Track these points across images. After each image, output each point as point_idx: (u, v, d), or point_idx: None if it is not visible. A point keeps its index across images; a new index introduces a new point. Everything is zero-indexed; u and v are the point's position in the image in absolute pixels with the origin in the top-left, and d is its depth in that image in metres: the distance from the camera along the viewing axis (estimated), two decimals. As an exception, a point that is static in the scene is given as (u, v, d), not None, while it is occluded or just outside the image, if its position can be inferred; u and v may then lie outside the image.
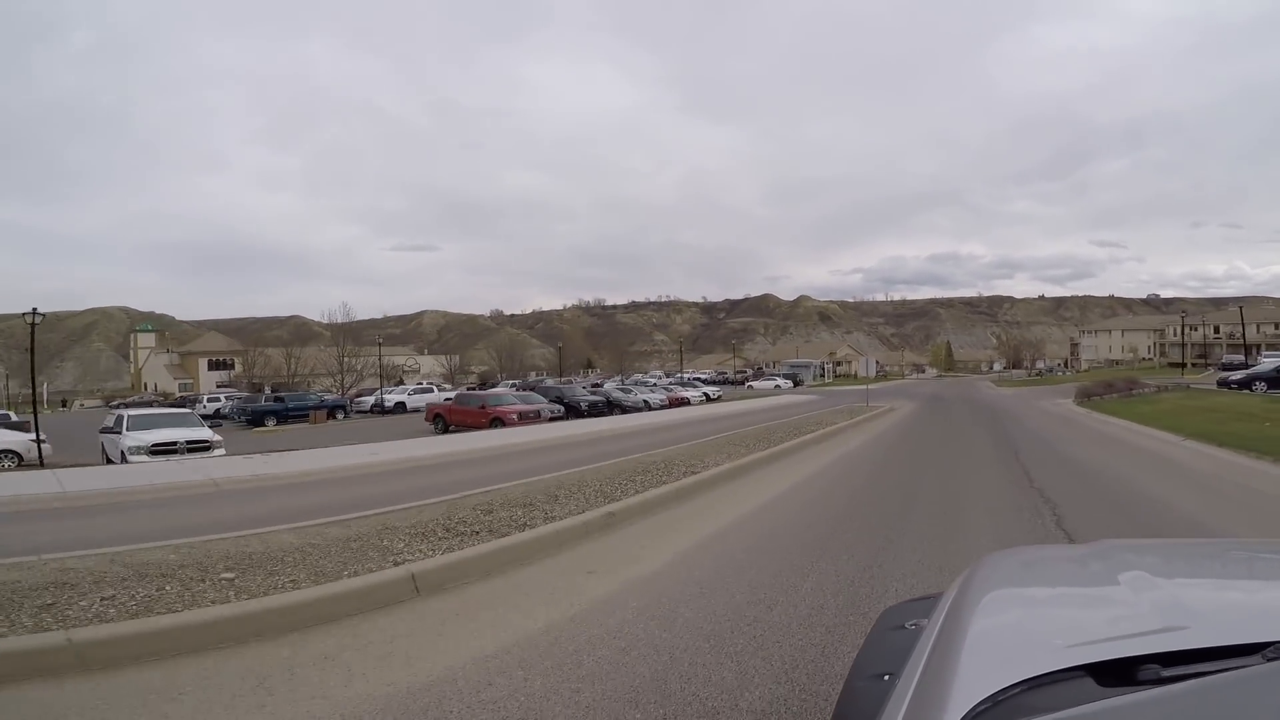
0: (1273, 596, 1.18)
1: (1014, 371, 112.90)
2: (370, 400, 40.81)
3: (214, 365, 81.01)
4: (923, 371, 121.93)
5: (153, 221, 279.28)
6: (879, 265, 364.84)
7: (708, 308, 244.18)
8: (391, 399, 39.93)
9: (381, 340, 53.70)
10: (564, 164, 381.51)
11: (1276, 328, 73.65)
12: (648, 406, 34.44)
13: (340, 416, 36.63)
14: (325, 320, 66.40)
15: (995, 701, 0.75)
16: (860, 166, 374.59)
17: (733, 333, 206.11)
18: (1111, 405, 24.79)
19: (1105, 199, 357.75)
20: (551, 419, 26.57)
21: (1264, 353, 47.14)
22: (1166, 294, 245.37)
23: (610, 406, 31.78)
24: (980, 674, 0.82)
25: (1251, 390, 24.57)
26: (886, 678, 1.07)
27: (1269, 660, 0.76)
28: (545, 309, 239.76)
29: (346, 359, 52.91)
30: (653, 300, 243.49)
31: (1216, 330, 76.99)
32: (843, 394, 49.03)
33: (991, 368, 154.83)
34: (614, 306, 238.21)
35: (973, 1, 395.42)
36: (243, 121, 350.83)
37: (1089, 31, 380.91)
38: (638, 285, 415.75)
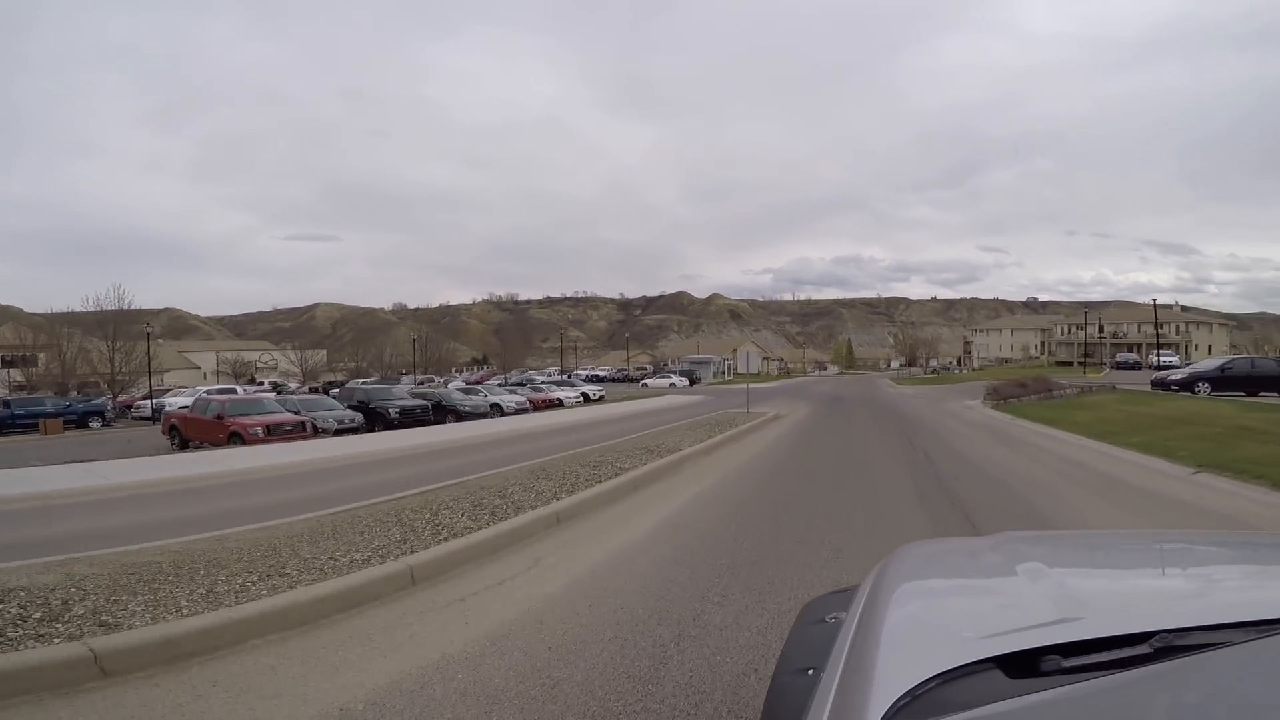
0: (1158, 585, 1.26)
1: (911, 369, 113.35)
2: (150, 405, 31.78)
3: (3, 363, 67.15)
4: (824, 369, 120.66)
5: (11, 207, 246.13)
6: (787, 266, 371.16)
7: (624, 304, 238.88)
8: (176, 403, 31.14)
9: (152, 329, 40.46)
10: (481, 156, 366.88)
11: (1157, 327, 74.73)
12: (498, 411, 27.62)
13: (97, 425, 27.84)
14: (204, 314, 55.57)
15: (914, 696, 0.77)
16: (776, 170, 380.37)
17: (648, 330, 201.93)
18: (1034, 409, 20.11)
19: (993, 207, 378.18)
20: (340, 431, 19.42)
21: (1163, 352, 45.30)
22: (1044, 297, 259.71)
23: (441, 412, 24.74)
24: (898, 669, 0.83)
25: (1194, 392, 20.43)
26: (810, 672, 1.08)
27: (1155, 650, 0.79)
28: (453, 303, 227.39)
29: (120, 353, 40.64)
30: (569, 296, 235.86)
31: (1101, 330, 77.58)
32: (737, 393, 43.91)
33: (889, 365, 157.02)
34: (527, 302, 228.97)
35: (887, 14, 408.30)
36: (127, 104, 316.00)
37: (989, 46, 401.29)
38: (555, 281, 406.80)
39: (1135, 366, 48.31)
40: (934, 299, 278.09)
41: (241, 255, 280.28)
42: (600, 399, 37.27)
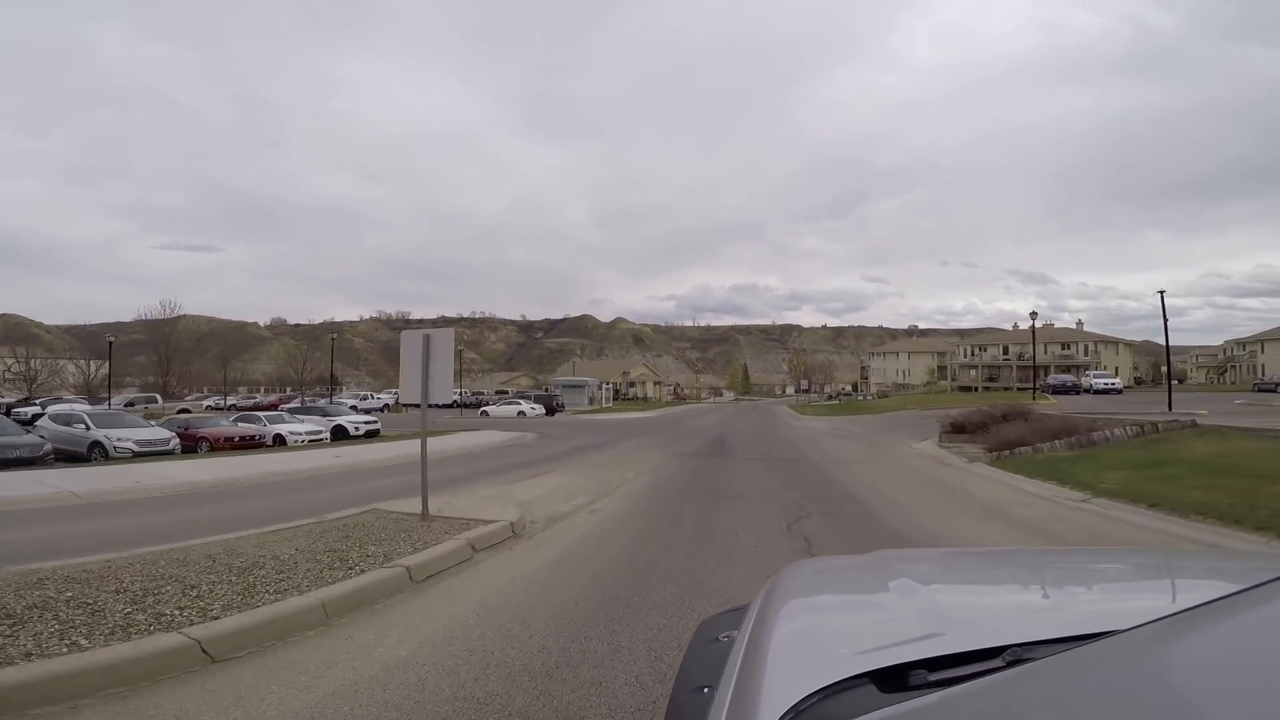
0: (1015, 601, 1.32)
1: (806, 395, 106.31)
2: None
3: None
4: (720, 395, 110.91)
5: None
6: (690, 293, 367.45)
7: (525, 326, 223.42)
8: None
9: None
10: (383, 171, 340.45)
11: (1063, 347, 69.15)
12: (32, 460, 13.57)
13: None
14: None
15: (797, 711, 0.79)
16: (681, 197, 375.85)
17: (550, 353, 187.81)
18: (1103, 469, 8.71)
19: (877, 237, 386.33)
20: None
21: (1094, 372, 36.55)
22: (923, 325, 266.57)
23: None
24: (783, 685, 0.86)
25: None
26: (706, 690, 1.08)
27: (1008, 663, 0.83)
28: (338, 319, 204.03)
29: None
30: (465, 316, 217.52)
31: (1006, 351, 71.25)
32: (602, 427, 31.27)
33: (785, 390, 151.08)
34: (419, 321, 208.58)
35: (785, 44, 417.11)
36: None
37: (876, 78, 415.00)
38: (454, 301, 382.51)
39: (1073, 389, 39.74)
40: (824, 327, 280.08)
41: (109, 263, 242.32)
42: (369, 433, 23.92)
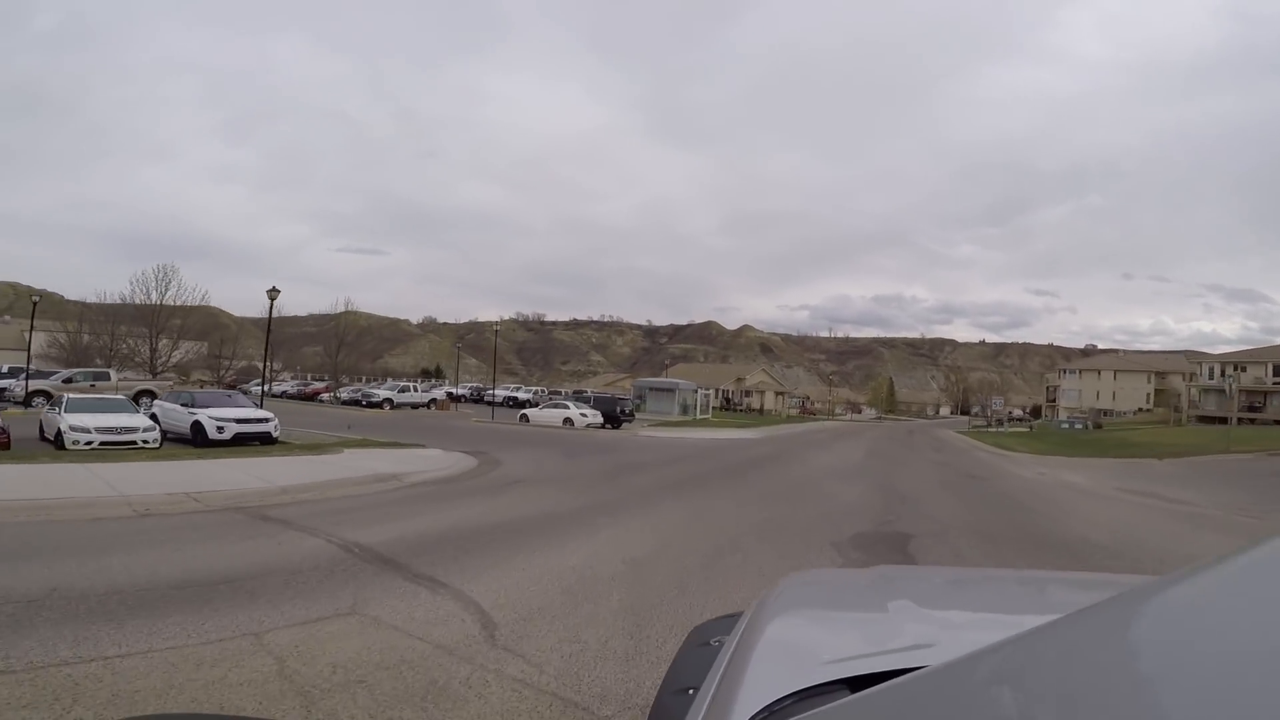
0: (1011, 620, 1.26)
1: (962, 417, 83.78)
2: None
3: None
4: (859, 412, 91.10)
5: (89, 206, 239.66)
6: (825, 303, 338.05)
7: (650, 331, 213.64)
8: None
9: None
10: (524, 180, 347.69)
11: None
12: None
13: None
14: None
15: (770, 712, 0.80)
16: (814, 202, 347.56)
17: (673, 358, 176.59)
18: None
19: (1043, 246, 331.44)
20: None
21: None
22: (1101, 345, 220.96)
23: None
24: (759, 688, 0.86)
25: None
26: (690, 692, 1.08)
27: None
28: (481, 319, 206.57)
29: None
30: (594, 319, 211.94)
31: (1278, 373, 47.46)
32: (663, 454, 17.28)
33: (939, 411, 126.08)
34: (553, 323, 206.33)
35: (926, 41, 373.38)
36: (198, 115, 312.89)
37: (1034, 75, 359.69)
38: (584, 305, 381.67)
39: None
40: (982, 342, 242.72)
41: (294, 264, 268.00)
42: (244, 437, 12.12)
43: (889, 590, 1.32)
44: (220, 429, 15.48)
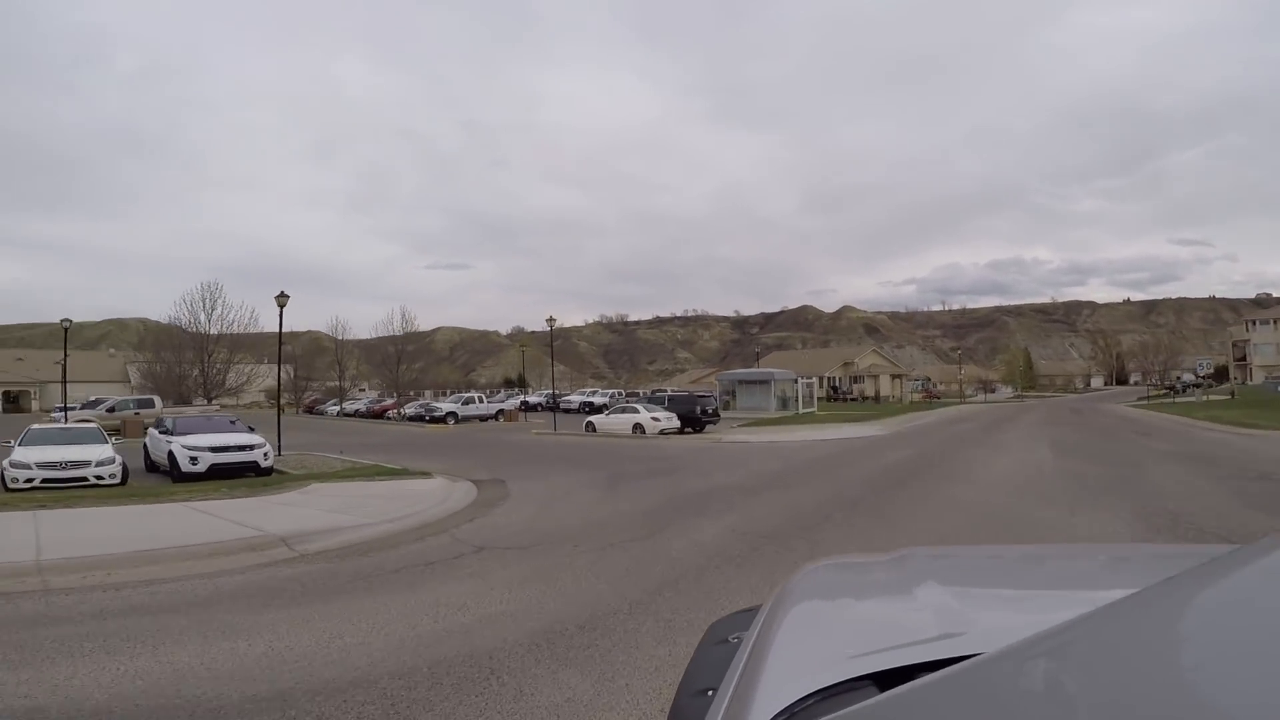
0: (1042, 602, 1.22)
1: (1119, 387, 70.88)
2: None
3: None
4: (991, 390, 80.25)
5: (195, 239, 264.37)
6: (933, 275, 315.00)
7: (739, 322, 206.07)
8: None
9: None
10: (591, 179, 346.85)
11: None
12: None
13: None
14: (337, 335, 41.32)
15: (791, 713, 0.77)
16: (902, 170, 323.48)
17: (766, 349, 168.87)
18: None
19: (1181, 193, 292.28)
20: None
21: None
22: (1277, 293, 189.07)
23: None
24: (780, 686, 0.82)
25: None
26: (710, 693, 1.04)
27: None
28: (567, 325, 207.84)
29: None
30: (678, 316, 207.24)
31: None
32: (758, 463, 12.13)
33: (1088, 383, 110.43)
34: (636, 323, 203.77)
35: None
36: (281, 142, 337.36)
37: (1135, 14, 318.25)
38: (668, 301, 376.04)
39: None
40: (1126, 301, 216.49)
41: (389, 283, 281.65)
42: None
43: (915, 575, 1.24)
44: (193, 460, 13.42)
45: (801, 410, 34.76)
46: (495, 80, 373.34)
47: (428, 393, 68.52)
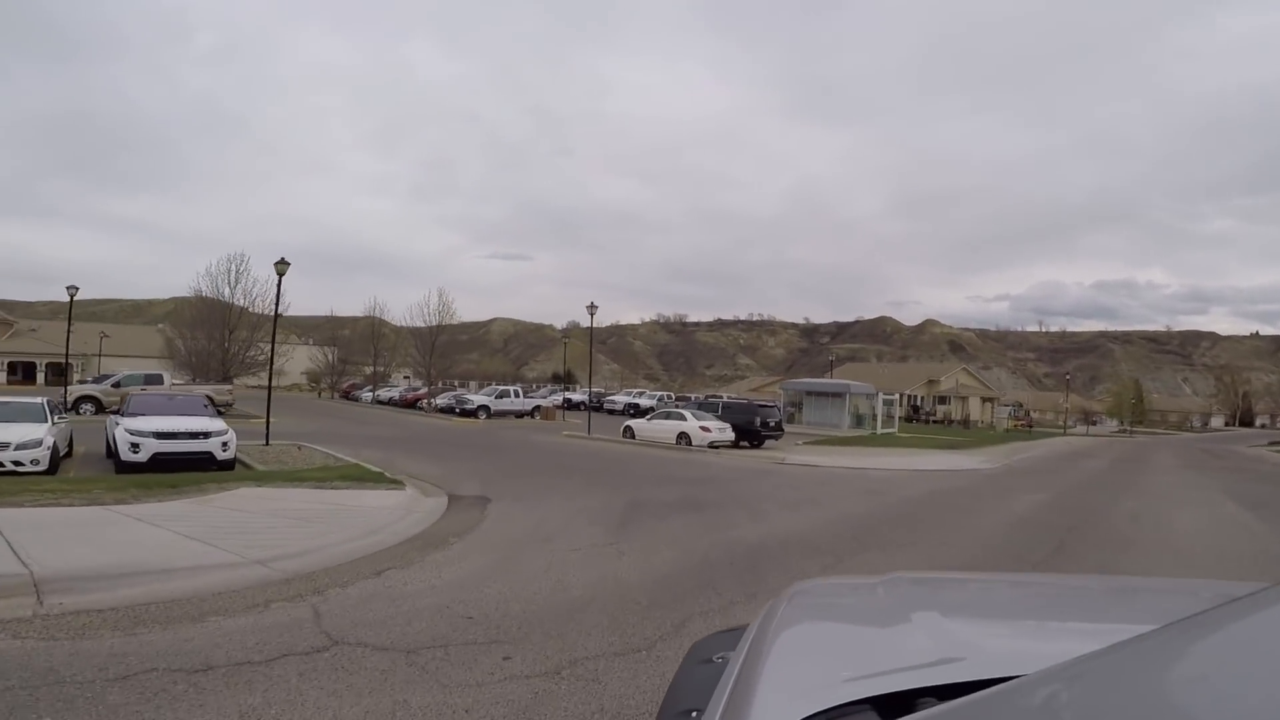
0: (1042, 627, 1.25)
1: (1243, 429, 62.14)
2: None
3: None
4: (1093, 423, 72.73)
5: (268, 222, 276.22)
6: (1030, 292, 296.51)
7: (809, 330, 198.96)
8: None
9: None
10: (657, 172, 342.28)
11: None
12: None
13: None
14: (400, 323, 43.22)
15: None
16: (1004, 176, 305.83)
17: (838, 359, 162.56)
18: None
19: None
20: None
21: None
22: None
23: None
24: (773, 710, 0.82)
25: None
26: (694, 715, 1.05)
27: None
28: (623, 323, 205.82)
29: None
30: (742, 319, 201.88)
31: None
32: (829, 499, 8.61)
33: (1206, 422, 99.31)
34: (696, 324, 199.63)
35: None
36: (350, 126, 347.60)
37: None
38: (732, 304, 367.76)
39: None
40: (1254, 335, 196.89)
41: (450, 272, 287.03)
42: None
43: (910, 599, 1.26)
44: (134, 447, 11.66)
45: (880, 430, 30.60)
46: (563, 67, 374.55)
47: (472, 383, 67.77)
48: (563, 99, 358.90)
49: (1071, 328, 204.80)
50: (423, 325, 41.49)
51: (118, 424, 12.25)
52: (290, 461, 13.31)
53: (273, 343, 19.77)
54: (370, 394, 47.75)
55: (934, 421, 49.37)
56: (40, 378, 49.17)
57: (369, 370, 52.70)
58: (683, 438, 20.38)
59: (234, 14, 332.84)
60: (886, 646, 1.05)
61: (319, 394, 58.14)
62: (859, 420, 32.83)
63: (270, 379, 19.85)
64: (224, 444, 12.44)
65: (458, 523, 8.14)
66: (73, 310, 26.55)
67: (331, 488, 10.06)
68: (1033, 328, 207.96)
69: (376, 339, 48.88)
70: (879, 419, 31.19)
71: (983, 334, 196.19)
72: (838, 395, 32.61)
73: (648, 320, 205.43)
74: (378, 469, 12.43)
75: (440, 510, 9.04)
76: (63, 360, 52.86)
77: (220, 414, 14.68)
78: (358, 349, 54.46)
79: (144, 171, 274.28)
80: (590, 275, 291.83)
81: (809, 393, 34.26)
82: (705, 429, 20.18)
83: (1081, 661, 0.58)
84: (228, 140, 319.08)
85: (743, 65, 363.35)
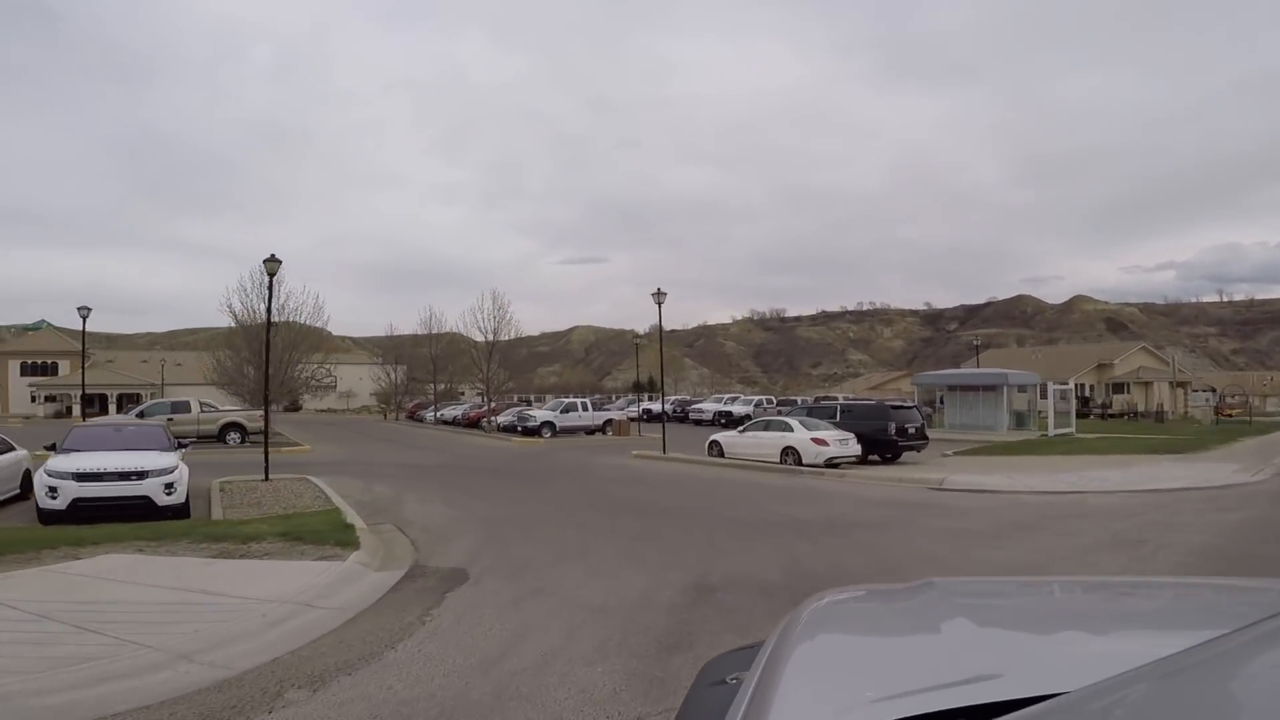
0: (1081, 640, 1.21)
1: None
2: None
3: (32, 369, 58.25)
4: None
5: (341, 238, 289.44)
6: (1202, 258, 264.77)
7: (932, 317, 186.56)
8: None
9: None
10: (733, 155, 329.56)
11: None
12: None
13: None
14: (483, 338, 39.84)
15: None
16: (1147, 129, 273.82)
17: (968, 348, 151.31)
18: None
19: None
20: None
21: None
22: None
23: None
24: None
25: None
26: None
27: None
28: (711, 322, 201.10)
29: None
30: (850, 310, 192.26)
31: None
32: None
33: None
34: (796, 319, 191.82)
35: None
36: (414, 133, 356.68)
37: None
38: (840, 293, 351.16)
39: None
40: None
41: (525, 280, 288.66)
42: None
43: (941, 608, 1.23)
44: (52, 492, 10.24)
45: (1054, 431, 25.03)
46: (619, 51, 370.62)
47: (548, 397, 66.02)
48: (622, 86, 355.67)
49: (1260, 295, 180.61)
50: (479, 335, 38.96)
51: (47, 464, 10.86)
52: (266, 504, 11.79)
53: (266, 352, 17.57)
54: (433, 414, 46.68)
55: (1111, 415, 42.23)
56: (112, 409, 51.51)
57: (439, 388, 51.81)
58: (789, 454, 16.37)
59: (286, 22, 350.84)
60: (917, 662, 1.02)
61: (384, 415, 57.99)
62: (1019, 419, 27.62)
63: (266, 401, 17.72)
64: (167, 486, 10.73)
65: (373, 633, 5.03)
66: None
67: (244, 556, 7.50)
68: (1210, 298, 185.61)
69: (434, 352, 47.42)
70: (1052, 416, 25.56)
71: (1147, 308, 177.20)
72: (991, 388, 27.17)
73: (739, 318, 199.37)
74: (351, 519, 9.86)
75: (372, 598, 6.11)
76: (133, 392, 55.72)
77: (182, 446, 12.72)
78: (423, 366, 53.87)
79: (218, 194, 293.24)
80: (669, 273, 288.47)
81: (951, 387, 28.87)
82: (820, 441, 16.06)
83: (1135, 677, 0.56)
84: (295, 157, 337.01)
85: (818, 31, 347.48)
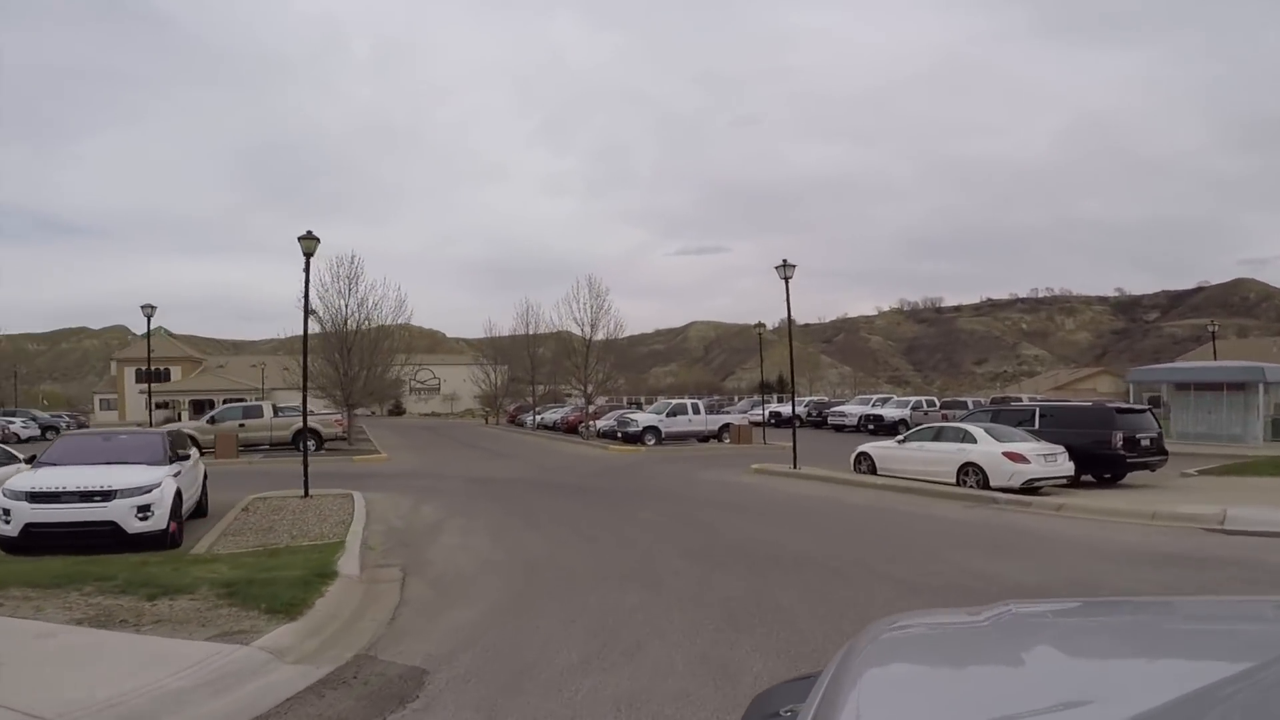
0: (1184, 663, 1.19)
1: None
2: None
3: (147, 376, 63.23)
4: None
5: (453, 237, 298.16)
6: None
7: (1126, 305, 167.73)
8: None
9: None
10: (869, 128, 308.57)
11: None
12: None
13: None
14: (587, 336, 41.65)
15: None
16: None
17: (1169, 341, 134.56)
18: None
19: None
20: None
21: None
22: None
23: None
24: None
25: None
26: None
27: None
28: (851, 314, 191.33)
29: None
30: (1021, 298, 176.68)
31: None
32: None
33: None
34: (955, 308, 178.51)
35: None
36: (518, 123, 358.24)
37: None
38: (1008, 279, 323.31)
39: None
40: None
41: (636, 275, 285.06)
42: None
43: (1019, 634, 1.22)
44: (5, 514, 9.09)
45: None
46: (724, 17, 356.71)
47: (659, 399, 64.05)
48: (733, 58, 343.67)
49: None
50: (575, 328, 37.28)
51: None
52: (277, 531, 10.50)
53: (304, 345, 16.04)
54: (533, 417, 45.91)
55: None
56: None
57: (539, 389, 51.09)
58: (970, 472, 12.72)
59: (381, 13, 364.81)
60: (996, 691, 1.00)
61: (486, 419, 58.20)
62: (1277, 427, 22.41)
63: (304, 402, 16.19)
64: (140, 509, 9.25)
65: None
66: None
67: (124, 624, 5.75)
68: None
69: (533, 350, 46.54)
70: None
71: None
72: (1239, 386, 21.85)
73: (886, 309, 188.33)
74: (343, 562, 8.17)
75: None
76: (238, 396, 59.38)
77: (178, 458, 11.19)
78: (525, 366, 53.57)
79: (335, 195, 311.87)
80: (800, 261, 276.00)
81: (1180, 385, 23.49)
82: (1016, 456, 12.26)
83: (1229, 693, 0.56)
84: (407, 153, 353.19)
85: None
